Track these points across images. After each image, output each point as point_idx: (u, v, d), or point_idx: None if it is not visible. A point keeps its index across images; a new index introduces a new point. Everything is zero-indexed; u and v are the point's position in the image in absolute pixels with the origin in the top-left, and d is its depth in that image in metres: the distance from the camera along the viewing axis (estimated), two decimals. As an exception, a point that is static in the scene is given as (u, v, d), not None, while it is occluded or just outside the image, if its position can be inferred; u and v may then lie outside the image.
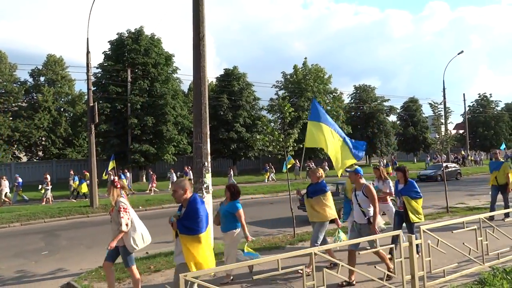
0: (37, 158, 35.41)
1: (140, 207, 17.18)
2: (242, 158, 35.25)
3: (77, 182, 21.18)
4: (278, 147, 9.85)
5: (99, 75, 29.70)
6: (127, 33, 29.82)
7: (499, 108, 55.73)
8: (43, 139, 34.55)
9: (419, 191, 6.72)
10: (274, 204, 17.78)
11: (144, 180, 28.94)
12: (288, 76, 37.94)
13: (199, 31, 8.55)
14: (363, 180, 5.97)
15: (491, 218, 8.29)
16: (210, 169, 8.55)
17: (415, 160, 48.97)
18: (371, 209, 5.77)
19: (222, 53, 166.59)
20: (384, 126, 43.27)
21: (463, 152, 42.21)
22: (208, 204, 8.41)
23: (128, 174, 24.25)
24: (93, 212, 16.38)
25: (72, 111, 36.78)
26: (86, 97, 25.47)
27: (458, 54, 32.80)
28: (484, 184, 19.32)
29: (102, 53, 30.03)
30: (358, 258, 5.94)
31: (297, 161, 28.15)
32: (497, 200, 10.48)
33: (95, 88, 28.25)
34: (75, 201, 20.36)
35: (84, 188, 20.70)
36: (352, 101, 45.09)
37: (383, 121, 43.36)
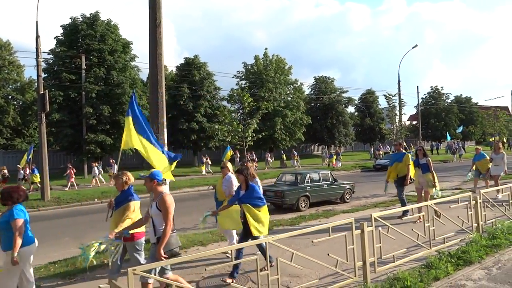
0: (-17, 149, 33.23)
1: (96, 200, 16.67)
2: (203, 149, 34.90)
3: None
4: (237, 137, 9.83)
5: (51, 61, 28.13)
6: (82, 17, 28.41)
7: (449, 100, 59.12)
8: (-11, 128, 32.48)
9: (262, 197, 5.75)
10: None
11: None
12: (249, 67, 37.80)
13: (155, 17, 8.27)
14: (161, 188, 4.64)
15: (406, 212, 8.79)
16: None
17: (371, 150, 50.67)
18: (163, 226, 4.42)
19: (183, 42, 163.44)
20: (343, 117, 44.34)
21: (404, 143, 44.16)
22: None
23: None
24: (44, 205, 15.66)
25: (21, 99, 34.73)
26: (36, 84, 24.08)
27: (413, 48, 34.00)
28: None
29: (54, 38, 28.48)
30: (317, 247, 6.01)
31: (237, 152, 27.12)
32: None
33: (46, 75, 26.81)
34: None
35: None
36: (312, 92, 45.79)
37: (341, 112, 44.40)
